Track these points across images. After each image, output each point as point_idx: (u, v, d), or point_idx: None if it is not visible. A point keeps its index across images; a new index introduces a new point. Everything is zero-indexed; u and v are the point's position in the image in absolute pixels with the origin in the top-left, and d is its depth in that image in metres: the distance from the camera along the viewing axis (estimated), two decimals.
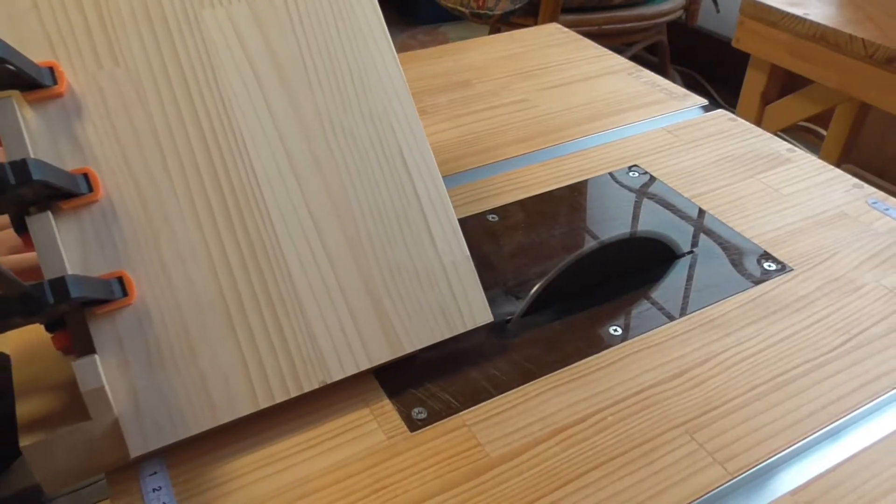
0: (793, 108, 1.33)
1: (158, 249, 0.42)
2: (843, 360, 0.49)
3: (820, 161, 0.70)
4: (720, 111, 0.79)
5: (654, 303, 0.54)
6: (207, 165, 0.44)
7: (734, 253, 0.59)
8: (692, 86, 2.28)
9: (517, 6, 1.76)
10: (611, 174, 0.68)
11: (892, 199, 0.65)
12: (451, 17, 1.92)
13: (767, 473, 0.42)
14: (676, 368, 0.48)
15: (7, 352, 0.45)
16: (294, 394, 0.44)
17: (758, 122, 1.32)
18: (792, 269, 0.57)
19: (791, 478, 0.42)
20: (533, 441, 0.43)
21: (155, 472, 0.41)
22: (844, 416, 0.45)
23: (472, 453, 0.43)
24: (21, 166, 0.36)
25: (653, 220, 0.62)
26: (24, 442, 0.39)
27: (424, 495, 0.40)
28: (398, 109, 0.49)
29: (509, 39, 0.94)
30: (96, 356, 0.40)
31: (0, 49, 0.37)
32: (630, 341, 0.50)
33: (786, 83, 1.36)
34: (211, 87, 0.45)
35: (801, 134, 1.82)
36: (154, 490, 0.40)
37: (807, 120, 1.48)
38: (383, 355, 0.46)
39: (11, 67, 0.38)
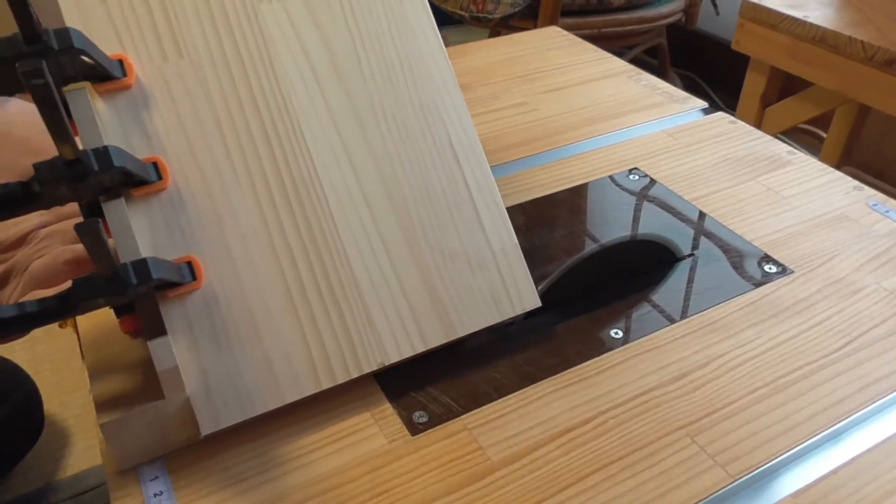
0: (793, 110, 1.34)
1: (223, 235, 0.43)
2: (843, 362, 0.49)
3: (820, 163, 0.70)
4: (720, 114, 0.79)
5: (654, 305, 0.54)
6: (268, 153, 0.45)
7: (734, 255, 0.59)
8: (692, 88, 2.28)
9: (517, 10, 1.76)
10: (611, 177, 0.68)
11: (892, 200, 0.65)
12: (450, 20, 1.92)
13: (769, 476, 0.42)
14: (677, 371, 0.48)
15: (78, 335, 0.45)
16: (354, 375, 0.45)
17: (758, 125, 1.32)
18: (792, 272, 0.57)
19: (792, 480, 0.42)
20: (534, 444, 0.43)
21: (156, 477, 0.41)
22: (845, 418, 0.45)
23: (474, 457, 0.43)
24: (103, 154, 0.38)
25: (653, 223, 0.62)
26: (102, 420, 0.40)
27: (426, 499, 0.40)
28: (447, 100, 0.50)
29: (509, 43, 0.94)
30: (169, 337, 0.41)
31: (79, 41, 0.38)
32: (631, 344, 0.50)
33: (785, 85, 1.36)
34: (270, 78, 0.46)
35: (802, 136, 1.82)
36: (155, 495, 0.40)
37: (807, 122, 1.48)
38: (437, 338, 0.47)
39: (88, 60, 0.39)
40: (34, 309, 0.38)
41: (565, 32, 0.99)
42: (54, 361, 1.30)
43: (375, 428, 0.45)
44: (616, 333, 0.51)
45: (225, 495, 0.41)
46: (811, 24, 1.18)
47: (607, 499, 0.40)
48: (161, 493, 0.40)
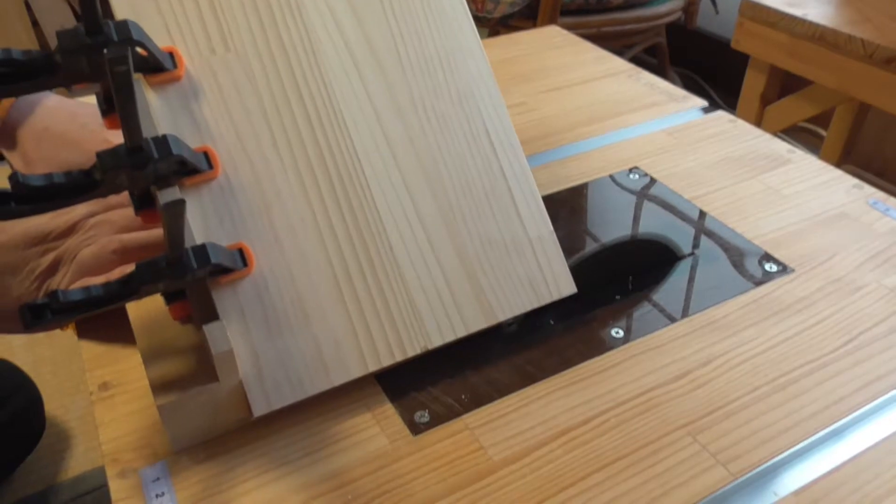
0: (792, 108, 1.34)
1: (272, 222, 0.44)
2: (844, 360, 0.49)
3: (820, 162, 0.70)
4: (720, 112, 0.79)
5: (655, 305, 0.54)
6: (312, 143, 0.46)
7: (735, 254, 0.59)
8: (692, 87, 2.28)
9: (516, 9, 1.76)
10: (611, 176, 0.68)
11: (892, 199, 0.65)
12: None
13: (770, 474, 0.42)
14: (678, 370, 0.48)
15: (134, 321, 0.46)
16: (399, 358, 0.46)
17: (757, 123, 1.32)
18: (793, 270, 0.57)
19: (794, 478, 0.42)
20: (535, 444, 0.43)
21: (158, 479, 0.41)
22: (846, 416, 0.45)
23: (475, 456, 0.43)
24: (162, 142, 0.39)
25: (653, 222, 0.62)
26: (159, 402, 0.41)
27: (427, 499, 0.40)
28: (484, 92, 0.52)
29: (508, 42, 0.94)
30: (223, 321, 0.42)
31: (136, 33, 0.39)
32: (632, 343, 0.50)
33: (785, 84, 1.37)
34: (313, 70, 0.47)
35: (801, 135, 1.83)
36: (157, 496, 0.40)
37: (806, 120, 1.48)
38: (477, 323, 0.48)
39: (142, 51, 0.40)
40: (99, 293, 0.39)
41: (565, 32, 0.99)
42: (55, 364, 1.30)
43: (377, 428, 0.45)
44: (617, 333, 0.51)
45: (226, 497, 0.41)
46: (811, 23, 1.18)
47: (609, 498, 0.40)
48: (163, 494, 0.41)
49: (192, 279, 0.40)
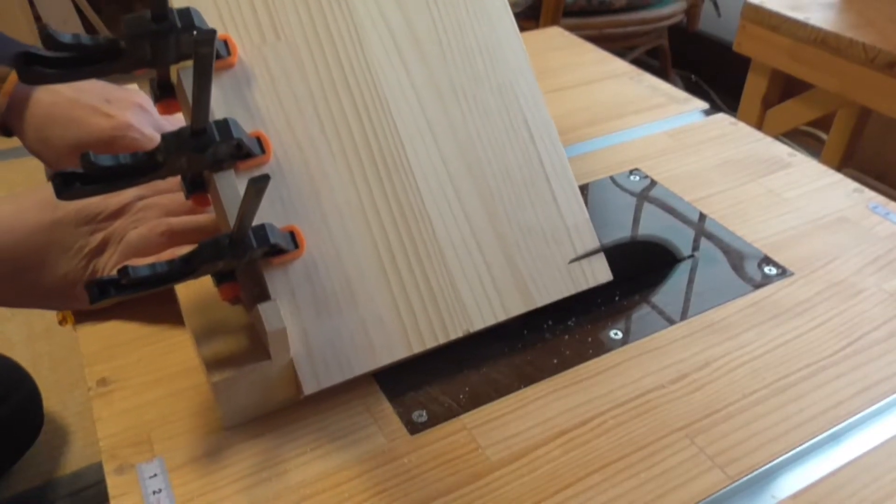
0: (794, 112, 1.34)
1: (320, 206, 0.45)
2: (843, 364, 0.49)
3: (821, 165, 0.70)
4: (721, 115, 0.79)
5: (654, 307, 0.54)
6: (359, 129, 0.47)
7: (735, 257, 0.59)
8: (693, 90, 2.28)
9: (518, 10, 1.76)
10: (612, 178, 0.68)
11: (892, 203, 0.65)
12: None
13: (767, 477, 0.42)
14: (677, 372, 0.48)
15: (184, 302, 0.46)
16: (441, 341, 0.47)
17: (759, 127, 1.32)
18: (792, 274, 0.57)
19: (791, 482, 0.42)
20: (533, 444, 0.43)
21: (155, 475, 0.41)
22: (845, 420, 0.45)
23: (473, 456, 0.43)
24: (224, 125, 0.41)
25: (654, 224, 0.62)
26: (214, 378, 0.42)
27: (425, 498, 0.40)
28: (522, 82, 0.53)
29: None
30: (277, 301, 0.43)
31: (198, 21, 0.41)
32: (630, 345, 0.50)
33: (787, 87, 1.37)
34: (359, 58, 0.48)
35: (802, 138, 1.83)
36: (154, 493, 0.40)
37: (808, 124, 1.48)
38: (517, 307, 0.49)
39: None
40: (164, 270, 0.40)
41: (567, 33, 0.99)
42: (54, 359, 1.30)
43: (375, 427, 0.45)
44: (616, 334, 0.51)
45: (223, 493, 0.41)
46: (812, 27, 1.18)
47: (606, 499, 0.40)
48: (160, 490, 0.41)
49: (249, 259, 0.41)
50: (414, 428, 0.44)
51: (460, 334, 0.47)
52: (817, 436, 0.44)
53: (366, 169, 0.47)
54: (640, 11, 1.89)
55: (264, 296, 0.43)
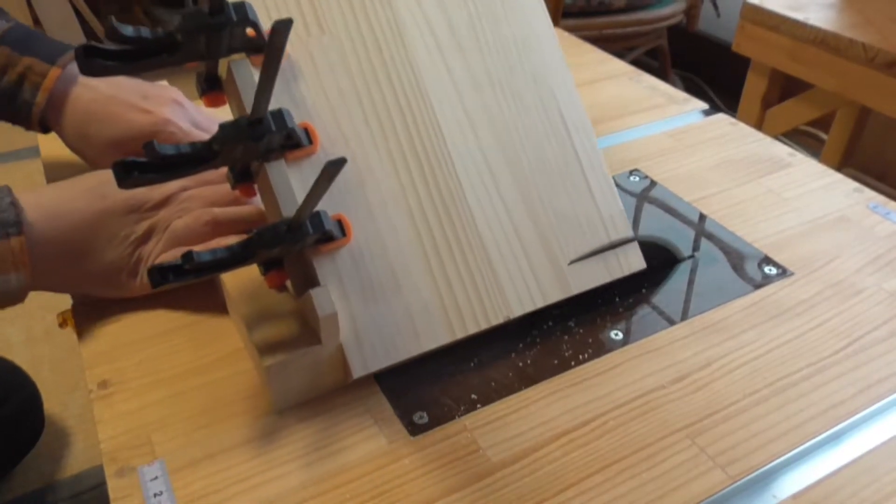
0: (793, 112, 1.34)
1: (365, 196, 0.47)
2: (843, 364, 0.49)
3: (821, 165, 0.70)
4: (721, 115, 0.79)
5: (655, 307, 0.54)
6: (401, 121, 0.49)
7: (735, 257, 0.59)
8: (693, 90, 2.28)
9: None
10: (612, 178, 0.68)
11: (892, 203, 0.65)
12: None
13: (768, 478, 0.42)
14: (677, 373, 0.48)
15: (231, 290, 0.48)
16: (483, 326, 0.48)
17: (758, 127, 1.32)
18: (793, 274, 0.57)
19: (792, 482, 0.42)
20: (534, 445, 0.43)
21: (156, 477, 0.41)
22: (845, 420, 0.45)
23: (474, 458, 0.43)
24: (279, 116, 0.42)
25: (654, 225, 0.62)
26: (267, 362, 0.43)
27: (426, 500, 0.40)
28: (557, 75, 0.54)
29: None
30: (328, 286, 0.44)
31: (252, 14, 0.42)
32: (631, 345, 0.50)
33: (786, 87, 1.37)
34: (400, 51, 0.50)
35: (802, 138, 1.83)
36: (155, 495, 0.40)
37: (807, 124, 1.48)
38: (555, 295, 0.50)
39: (251, 32, 0.43)
40: (223, 255, 0.41)
41: (566, 34, 0.99)
42: (54, 362, 1.30)
43: (375, 428, 0.45)
44: (616, 335, 0.51)
45: (224, 495, 0.41)
46: (812, 27, 1.18)
47: (607, 500, 0.40)
48: (161, 493, 0.40)
49: (303, 245, 0.43)
50: (415, 429, 0.44)
51: (501, 320, 0.48)
52: (818, 436, 0.44)
53: (408, 160, 0.48)
54: (639, 12, 1.89)
55: (313, 282, 0.45)
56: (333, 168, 0.36)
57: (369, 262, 0.46)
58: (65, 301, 0.54)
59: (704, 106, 0.81)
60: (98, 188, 0.51)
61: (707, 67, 2.29)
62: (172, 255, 0.51)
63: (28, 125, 0.60)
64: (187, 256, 0.40)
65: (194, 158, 0.41)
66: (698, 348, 0.50)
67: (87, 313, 0.53)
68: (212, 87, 0.45)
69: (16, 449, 1.10)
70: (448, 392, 0.47)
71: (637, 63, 1.12)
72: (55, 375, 1.28)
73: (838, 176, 0.69)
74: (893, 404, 0.47)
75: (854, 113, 1.30)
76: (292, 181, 0.44)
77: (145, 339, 0.51)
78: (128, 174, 0.39)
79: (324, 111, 0.47)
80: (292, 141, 0.44)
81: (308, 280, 0.45)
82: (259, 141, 0.42)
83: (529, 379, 0.48)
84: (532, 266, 0.50)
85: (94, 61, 0.38)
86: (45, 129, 0.61)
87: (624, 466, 0.42)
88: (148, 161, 0.39)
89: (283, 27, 0.36)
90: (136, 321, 0.52)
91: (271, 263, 0.45)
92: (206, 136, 0.58)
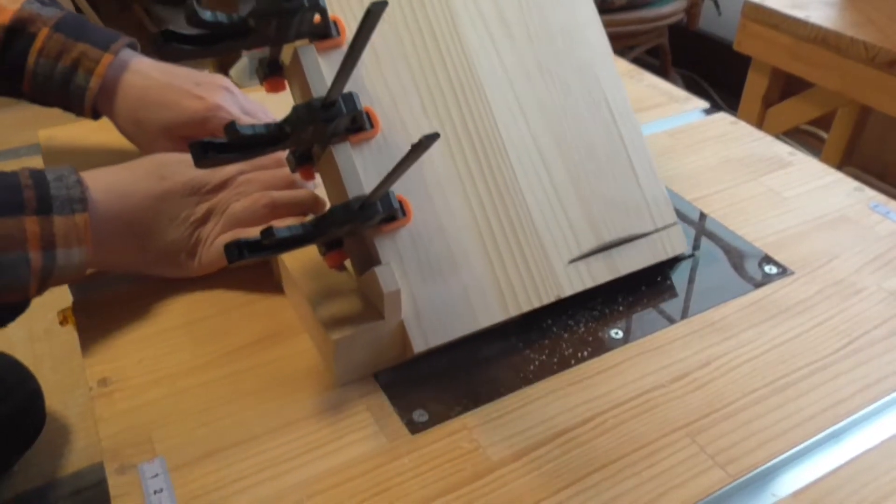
0: (794, 110, 1.33)
1: (423, 179, 0.48)
2: (843, 363, 0.49)
3: (821, 164, 0.70)
4: (721, 114, 0.79)
5: (655, 306, 0.54)
6: (455, 107, 0.50)
7: (735, 256, 0.59)
8: (693, 89, 2.28)
9: None
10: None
11: (893, 202, 0.65)
12: None
13: (768, 476, 0.42)
14: (677, 371, 0.48)
15: (293, 270, 0.50)
16: (535, 305, 0.50)
17: (759, 125, 1.32)
18: (793, 273, 0.57)
19: (792, 481, 0.42)
20: (534, 444, 0.44)
21: (157, 475, 0.41)
22: (845, 419, 0.45)
23: (473, 456, 0.43)
24: (349, 99, 0.44)
25: None
26: (334, 336, 0.45)
27: (425, 498, 0.41)
28: (602, 64, 0.56)
29: None
30: (391, 264, 0.45)
31: (322, 1, 0.43)
32: (631, 344, 0.50)
33: (787, 86, 1.36)
34: (454, 39, 0.51)
35: (803, 137, 1.82)
36: (156, 492, 0.40)
37: (808, 123, 1.48)
38: (603, 276, 0.52)
39: (318, 19, 0.45)
40: (299, 231, 0.43)
41: None
42: (55, 359, 1.31)
43: (375, 427, 0.45)
44: (616, 333, 0.51)
45: (224, 493, 0.41)
46: (813, 25, 1.18)
47: (607, 498, 0.40)
48: (161, 490, 0.41)
49: (371, 224, 0.44)
50: (415, 427, 0.44)
51: (552, 299, 0.50)
52: (818, 434, 0.44)
53: (463, 144, 0.50)
54: (640, 10, 1.88)
55: (375, 261, 0.46)
56: (425, 143, 0.37)
57: (427, 243, 0.47)
58: (65, 299, 0.54)
59: (705, 105, 0.81)
60: (159, 170, 0.53)
61: (708, 66, 2.29)
62: (231, 237, 0.52)
63: (80, 110, 0.61)
64: (268, 231, 0.42)
65: (268, 139, 0.42)
66: (698, 347, 0.50)
67: (88, 311, 0.53)
68: (273, 73, 0.46)
69: (17, 445, 1.10)
70: (448, 390, 0.47)
71: (638, 61, 1.12)
72: (56, 373, 1.28)
73: (839, 175, 0.69)
74: (893, 403, 0.47)
75: (855, 112, 1.30)
76: (356, 162, 0.46)
77: (145, 337, 0.51)
78: (204, 153, 0.41)
79: (384, 97, 0.48)
80: (356, 124, 0.46)
81: (370, 259, 0.47)
82: (329, 123, 0.43)
83: (529, 377, 0.48)
84: (581, 248, 0.52)
85: (172, 45, 0.40)
86: (97, 115, 0.62)
87: (624, 465, 0.42)
88: (222, 141, 0.41)
89: (378, 9, 0.36)
90: (136, 319, 0.52)
91: (331, 244, 0.47)
92: (255, 122, 0.59)
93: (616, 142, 0.54)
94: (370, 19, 0.37)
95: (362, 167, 0.46)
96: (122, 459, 0.42)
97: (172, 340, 0.50)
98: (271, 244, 0.42)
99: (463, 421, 0.45)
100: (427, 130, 0.48)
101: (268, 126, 0.42)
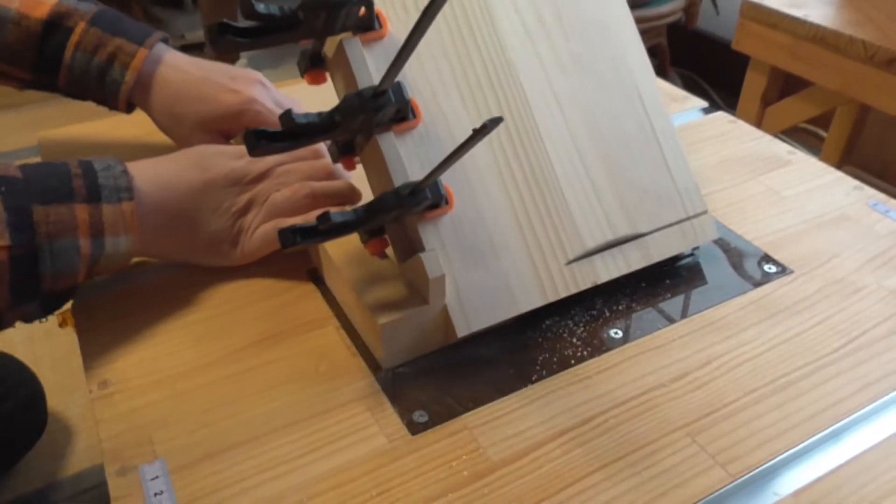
0: (793, 109, 1.34)
1: (463, 168, 0.49)
2: (843, 362, 0.49)
3: (820, 163, 0.70)
4: (720, 113, 0.79)
5: (654, 305, 0.54)
6: (493, 98, 0.51)
7: (735, 255, 0.59)
8: (692, 88, 2.28)
9: None
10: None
11: (892, 200, 0.65)
12: None
13: (768, 476, 0.42)
14: (677, 371, 0.48)
15: (336, 258, 0.51)
16: (573, 290, 0.51)
17: (758, 124, 1.32)
18: (792, 272, 0.57)
19: (792, 480, 0.42)
20: (534, 444, 0.44)
21: (157, 477, 0.41)
22: (845, 418, 0.45)
23: (474, 456, 0.43)
24: (398, 88, 0.45)
25: None
26: (382, 320, 0.46)
27: (426, 498, 0.40)
28: (633, 56, 0.57)
29: None
30: (435, 251, 0.47)
31: None
32: (631, 344, 0.50)
33: (786, 85, 1.36)
34: (490, 33, 0.52)
35: (802, 136, 1.83)
36: (156, 494, 0.40)
37: (807, 122, 1.48)
38: (637, 263, 0.54)
39: (363, 11, 0.46)
40: (351, 217, 0.44)
41: None
42: (55, 361, 1.31)
43: (375, 427, 0.45)
44: (616, 333, 0.51)
45: (225, 494, 0.41)
46: (812, 24, 1.18)
47: (607, 498, 0.40)
48: (161, 492, 0.41)
49: (418, 211, 0.46)
50: (415, 428, 0.44)
51: (589, 285, 0.51)
52: (818, 433, 0.44)
53: (501, 135, 0.51)
54: (638, 9, 1.88)
55: (418, 248, 0.47)
56: (489, 127, 0.38)
57: (468, 230, 0.48)
58: None
59: (704, 104, 0.81)
60: (201, 161, 0.54)
61: (706, 65, 2.29)
62: (273, 226, 0.54)
63: (115, 103, 0.63)
64: (324, 217, 0.43)
65: (320, 128, 0.44)
66: (698, 346, 0.50)
67: (88, 313, 0.53)
68: (315, 65, 0.48)
69: (19, 444, 1.10)
70: (448, 391, 0.47)
71: None
72: (56, 375, 1.28)
73: (838, 174, 0.69)
74: (893, 402, 0.47)
75: (854, 111, 1.30)
76: (400, 151, 0.47)
77: (145, 338, 0.51)
78: (258, 142, 0.42)
79: (424, 88, 0.49)
80: (401, 115, 0.47)
81: (413, 246, 0.48)
82: (378, 112, 0.44)
83: (529, 377, 0.48)
84: (616, 235, 0.53)
85: (226, 37, 0.41)
86: (130, 108, 0.64)
87: (624, 465, 0.42)
88: (272, 131, 0.42)
89: (441, 1, 0.37)
90: (136, 321, 0.52)
91: (373, 232, 0.48)
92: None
93: (648, 132, 0.56)
94: (433, 10, 0.37)
95: (406, 156, 0.47)
96: (122, 461, 0.42)
97: (172, 342, 0.50)
98: (327, 229, 0.44)
99: (463, 421, 0.45)
100: (466, 121, 0.50)
101: (320, 115, 0.44)
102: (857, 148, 1.43)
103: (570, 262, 0.51)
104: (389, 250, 0.49)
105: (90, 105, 0.64)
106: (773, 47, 1.27)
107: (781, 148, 0.73)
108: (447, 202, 0.47)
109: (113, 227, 0.48)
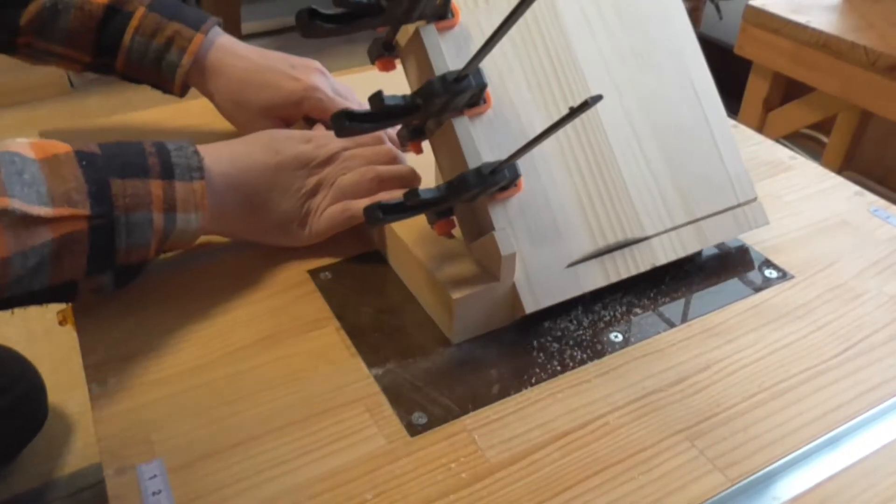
0: (795, 115, 1.34)
1: (531, 153, 0.49)
2: (843, 367, 0.49)
3: (822, 168, 0.70)
4: None
5: (654, 310, 0.54)
6: (557, 86, 0.53)
7: (735, 260, 0.59)
8: None
9: None
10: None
11: (893, 206, 0.65)
12: None
13: (767, 481, 0.42)
14: (677, 375, 0.48)
15: (405, 238, 0.53)
16: (633, 272, 0.53)
17: (760, 129, 1.32)
18: (793, 277, 0.57)
19: (791, 485, 0.42)
20: (533, 447, 0.43)
21: (155, 476, 0.41)
22: (844, 424, 0.45)
23: (472, 458, 0.43)
24: (478, 73, 0.47)
25: None
26: (455, 295, 0.48)
27: (424, 500, 0.40)
28: (687, 45, 0.59)
29: None
30: (506, 229, 0.48)
31: None
32: (630, 348, 0.50)
33: (788, 90, 1.37)
34: (555, 24, 0.54)
35: (803, 141, 1.83)
36: (154, 493, 0.40)
37: (809, 127, 1.48)
38: (693, 246, 0.55)
39: (439, 1, 0.47)
40: (434, 195, 0.46)
41: None
42: (53, 360, 1.30)
43: (374, 429, 0.45)
44: (616, 337, 0.51)
45: (223, 495, 0.41)
46: (814, 30, 1.19)
47: (606, 502, 0.40)
48: (159, 491, 0.40)
49: (495, 190, 0.47)
50: (414, 430, 0.44)
51: (647, 268, 0.53)
52: (817, 439, 0.44)
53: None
54: None
55: (488, 227, 0.49)
56: (591, 103, 0.39)
57: (535, 211, 0.50)
58: None
59: None
60: (272, 144, 0.56)
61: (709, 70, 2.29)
62: (341, 208, 0.56)
63: (170, 86, 0.65)
64: (412, 193, 0.45)
65: (404, 109, 0.46)
66: (698, 351, 0.50)
67: (87, 311, 0.53)
68: (386, 52, 0.49)
69: (18, 438, 1.10)
70: (447, 393, 0.47)
71: None
72: (55, 373, 1.28)
73: (839, 179, 0.69)
74: (892, 408, 0.47)
75: (855, 116, 1.30)
76: (473, 134, 0.48)
77: (145, 337, 0.51)
78: (346, 123, 0.44)
79: (492, 74, 0.51)
80: (474, 100, 0.48)
81: (481, 226, 0.49)
82: (457, 97, 0.46)
83: (529, 380, 0.48)
84: (673, 219, 0.55)
85: (315, 23, 0.43)
86: (184, 91, 0.66)
87: (623, 469, 0.42)
88: (360, 112, 0.44)
89: None
90: (135, 320, 0.52)
91: (441, 213, 0.50)
92: (346, 103, 0.66)
93: (702, 122, 0.57)
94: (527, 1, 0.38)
95: (477, 139, 0.48)
96: (120, 460, 0.42)
97: (172, 341, 0.50)
98: (413, 205, 0.46)
99: (462, 423, 0.45)
100: (532, 107, 0.51)
101: (405, 97, 0.46)
102: (858, 153, 1.43)
103: (629, 245, 0.52)
104: (454, 231, 0.51)
105: (90, 104, 0.65)
106: (776, 53, 1.27)
107: (783, 153, 0.73)
108: (515, 185, 0.49)
109: (185, 203, 0.49)
